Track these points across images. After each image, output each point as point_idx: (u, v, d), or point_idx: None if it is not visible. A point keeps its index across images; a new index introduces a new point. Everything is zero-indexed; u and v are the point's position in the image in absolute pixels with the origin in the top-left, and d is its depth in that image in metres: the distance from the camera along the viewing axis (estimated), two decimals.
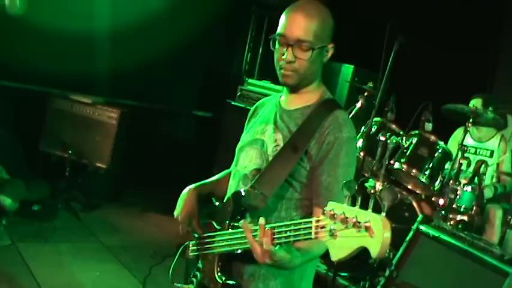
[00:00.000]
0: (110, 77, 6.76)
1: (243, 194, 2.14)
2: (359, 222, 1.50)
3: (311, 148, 2.12)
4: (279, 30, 2.17)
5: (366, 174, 5.08)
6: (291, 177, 2.13)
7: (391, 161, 4.89)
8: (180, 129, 7.84)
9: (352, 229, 1.51)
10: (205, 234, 2.28)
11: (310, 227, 1.68)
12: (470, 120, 4.90)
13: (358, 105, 5.28)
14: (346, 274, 4.62)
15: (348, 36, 6.77)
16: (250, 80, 6.76)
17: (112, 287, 4.68)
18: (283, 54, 2.15)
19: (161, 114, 7.62)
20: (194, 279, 2.35)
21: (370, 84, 5.22)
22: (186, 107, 7.85)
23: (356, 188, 1.58)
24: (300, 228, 1.72)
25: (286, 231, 1.77)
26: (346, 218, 1.53)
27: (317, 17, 2.13)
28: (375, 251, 1.47)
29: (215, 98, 7.32)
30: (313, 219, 1.67)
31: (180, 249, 2.51)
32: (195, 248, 2.37)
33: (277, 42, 2.18)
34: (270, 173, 2.14)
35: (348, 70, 6.79)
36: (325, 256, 4.60)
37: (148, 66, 6.86)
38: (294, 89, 2.27)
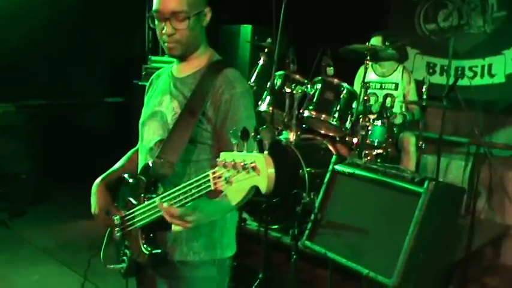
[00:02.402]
0: (11, 81, 6.58)
1: (150, 165, 2.20)
2: (246, 165, 1.62)
3: (207, 109, 2.19)
4: (154, 7, 2.21)
5: (279, 127, 5.23)
6: (193, 140, 2.20)
7: (301, 110, 5.05)
8: (94, 119, 7.76)
9: (243, 172, 1.64)
10: (126, 213, 2.33)
11: (209, 180, 1.78)
12: (368, 57, 5.05)
13: (261, 62, 5.38)
14: (276, 226, 4.78)
15: None
16: (153, 58, 6.76)
17: (54, 286, 4.69)
18: (163, 29, 2.21)
19: (73, 108, 7.51)
20: (125, 257, 2.41)
21: (269, 40, 5.30)
22: (96, 96, 7.76)
23: (249, 134, 1.67)
24: (201, 183, 1.82)
25: (190, 190, 1.87)
26: (235, 163, 1.66)
27: None
28: (263, 187, 1.61)
29: (123, 82, 7.25)
30: (210, 171, 1.77)
31: (107, 233, 2.55)
32: (119, 228, 2.41)
33: (155, 19, 2.23)
34: (172, 140, 2.20)
35: (246, 30, 6.87)
36: (255, 214, 4.74)
37: (50, 62, 6.76)
38: (182, 58, 2.33)
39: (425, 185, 3.31)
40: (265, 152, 1.64)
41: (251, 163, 1.62)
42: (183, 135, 2.19)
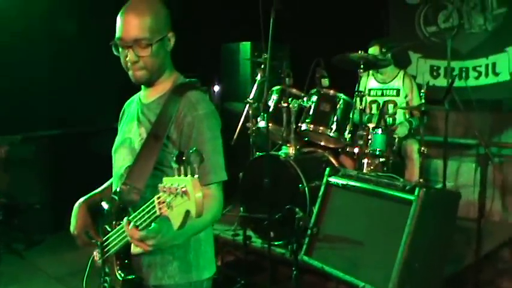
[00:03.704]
0: (21, 110, 6.65)
1: (118, 191, 2.21)
2: (177, 189, 1.64)
3: (172, 133, 2.19)
4: (116, 34, 2.21)
5: (279, 142, 5.22)
6: (160, 164, 2.19)
7: (298, 124, 5.04)
8: (106, 145, 7.79)
9: (179, 197, 1.65)
10: (104, 239, 2.34)
11: (154, 205, 1.79)
12: (361, 66, 5.01)
13: (258, 78, 5.39)
14: (280, 242, 4.75)
15: (240, 15, 6.90)
16: None
17: None
18: (127, 56, 2.21)
19: (84, 136, 7.58)
20: (106, 284, 2.41)
21: (265, 56, 5.30)
22: (106, 123, 7.80)
23: (183, 158, 1.67)
24: (150, 209, 1.83)
25: (143, 215, 1.88)
26: (171, 188, 1.67)
27: (148, 12, 2.17)
28: (193, 212, 1.62)
29: None
30: (155, 197, 1.78)
31: (90, 260, 2.55)
32: (99, 255, 2.42)
33: (118, 47, 2.24)
34: (138, 166, 2.20)
35: (245, 47, 6.89)
36: (259, 231, 4.74)
37: (58, 91, 6.83)
38: (148, 84, 2.34)
39: (416, 193, 3.29)
40: (195, 176, 1.63)
41: (182, 188, 1.63)
42: (149, 160, 2.19)
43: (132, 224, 1.93)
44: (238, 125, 5.48)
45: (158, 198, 1.76)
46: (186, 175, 1.65)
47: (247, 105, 5.38)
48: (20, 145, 6.37)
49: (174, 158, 1.67)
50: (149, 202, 1.83)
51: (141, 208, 1.89)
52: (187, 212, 1.65)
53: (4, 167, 6.28)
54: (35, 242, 6.26)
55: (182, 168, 1.67)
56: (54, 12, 6.92)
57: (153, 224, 1.89)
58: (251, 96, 5.39)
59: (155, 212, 1.80)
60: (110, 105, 7.74)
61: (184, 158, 1.66)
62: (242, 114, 5.49)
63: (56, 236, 6.47)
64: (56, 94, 6.90)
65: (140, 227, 1.90)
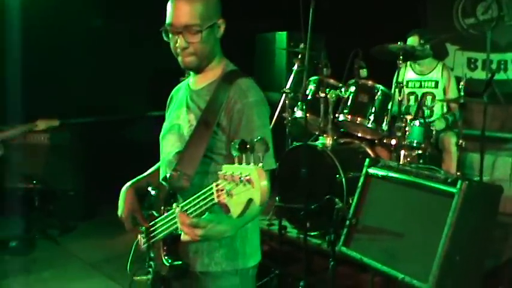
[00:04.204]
0: (56, 98, 6.72)
1: (168, 178, 2.22)
2: (241, 178, 1.62)
3: (222, 120, 2.19)
4: (167, 20, 2.22)
5: (316, 133, 5.21)
6: (210, 151, 2.20)
7: (336, 115, 5.02)
8: (139, 133, 7.85)
9: (241, 185, 1.63)
10: (150, 224, 2.36)
11: (213, 193, 1.77)
12: (400, 57, 4.98)
13: (295, 68, 5.38)
14: (316, 233, 4.75)
15: (276, 5, 6.89)
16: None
17: None
18: (176, 42, 2.22)
19: (118, 123, 7.63)
20: (150, 269, 2.43)
21: (302, 46, 5.29)
22: (139, 111, 7.87)
23: (247, 146, 1.66)
24: (207, 196, 1.82)
25: (198, 202, 1.87)
26: (233, 176, 1.65)
27: None
28: (257, 200, 1.60)
29: (166, 95, 7.32)
30: (214, 184, 1.77)
31: (134, 245, 2.58)
32: (145, 239, 2.44)
33: (168, 33, 2.25)
34: (188, 152, 2.21)
35: (281, 37, 6.90)
36: (294, 221, 4.74)
37: (91, 79, 6.88)
38: (197, 70, 2.34)
39: (458, 185, 3.25)
40: (260, 165, 1.63)
41: (246, 176, 1.61)
42: (199, 147, 2.19)
43: (184, 209, 1.93)
44: (273, 115, 5.46)
45: (217, 185, 1.75)
46: (248, 163, 1.65)
47: (284, 95, 5.38)
48: (57, 132, 6.42)
49: (236, 146, 1.66)
50: (206, 189, 1.82)
51: (196, 195, 1.88)
52: (250, 201, 1.64)
53: (41, 154, 6.34)
54: (69, 228, 6.34)
55: (245, 156, 1.66)
56: (91, 2, 6.98)
57: (206, 214, 1.91)
58: (287, 86, 5.39)
59: (213, 199, 1.79)
60: (142, 94, 7.87)
61: (248, 146, 1.65)
62: (278, 104, 5.48)
63: (89, 222, 6.59)
64: (90, 83, 6.97)
65: (193, 214, 1.90)
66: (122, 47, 7.20)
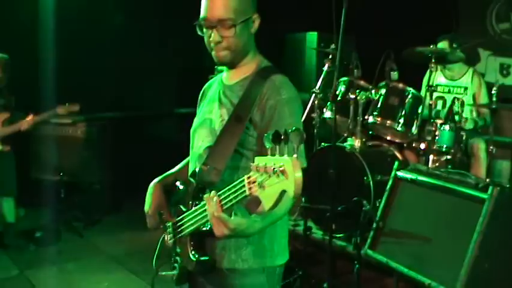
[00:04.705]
0: (85, 92, 6.77)
1: (197, 172, 2.21)
2: (275, 169, 1.59)
3: (254, 115, 2.18)
4: (201, 14, 2.21)
5: (345, 134, 5.18)
6: (240, 147, 2.18)
7: (365, 117, 4.99)
8: (166, 130, 7.90)
9: (274, 176, 1.60)
10: (177, 219, 2.35)
11: (244, 185, 1.75)
12: (433, 60, 4.93)
13: (325, 68, 5.37)
14: (342, 235, 4.72)
15: (306, 5, 6.86)
16: (219, 68, 6.81)
17: None
18: (210, 36, 2.21)
19: (144, 119, 7.68)
20: (176, 265, 2.42)
21: (333, 46, 5.28)
22: (167, 107, 7.91)
23: (281, 137, 1.63)
24: (238, 188, 1.79)
25: (228, 195, 1.84)
26: (266, 167, 1.62)
27: None
28: (291, 191, 1.57)
29: (194, 93, 7.33)
30: (245, 176, 1.74)
31: (160, 240, 2.57)
32: (171, 235, 2.43)
33: (202, 27, 2.24)
34: (219, 147, 2.20)
35: (312, 37, 6.89)
36: (320, 222, 4.70)
37: (120, 74, 6.93)
38: (231, 65, 2.32)
39: (490, 191, 3.21)
40: (294, 156, 1.60)
41: (279, 167, 1.58)
42: (230, 142, 2.18)
43: (216, 199, 1.89)
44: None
45: (248, 177, 1.72)
46: (282, 154, 1.62)
47: (313, 96, 5.36)
48: (84, 126, 6.48)
49: (270, 137, 1.64)
50: (237, 181, 1.79)
51: (228, 187, 1.86)
52: (283, 192, 1.61)
53: (70, 146, 6.40)
54: (93, 221, 6.39)
55: (278, 147, 1.63)
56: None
57: (236, 213, 1.89)
58: (317, 86, 5.37)
59: (244, 191, 1.75)
60: (169, 91, 7.90)
61: (282, 137, 1.63)
62: (307, 104, 5.46)
63: (113, 216, 6.63)
64: (118, 78, 7.03)
65: (225, 207, 1.88)
66: (151, 44, 7.24)
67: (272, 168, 1.60)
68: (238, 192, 1.80)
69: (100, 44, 6.83)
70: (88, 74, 6.76)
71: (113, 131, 6.77)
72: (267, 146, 1.65)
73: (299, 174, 1.56)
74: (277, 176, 1.59)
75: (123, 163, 6.90)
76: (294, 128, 1.63)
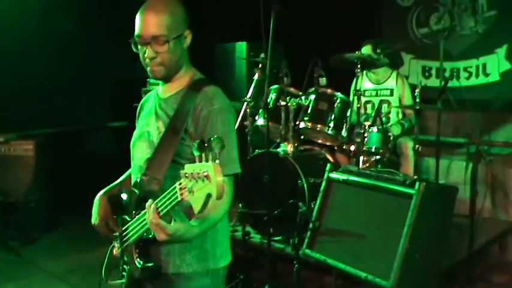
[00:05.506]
0: (15, 109, 6.68)
1: (138, 182, 2.30)
2: (200, 174, 1.76)
3: (189, 126, 2.28)
4: (136, 32, 2.31)
5: (278, 140, 5.31)
6: (178, 156, 2.28)
7: (297, 122, 5.13)
8: (100, 144, 7.86)
9: (200, 181, 1.77)
10: (123, 229, 2.42)
11: (176, 191, 1.90)
12: (359, 66, 5.12)
13: (256, 77, 5.49)
14: (279, 238, 4.84)
15: (235, 16, 6.97)
16: (151, 81, 6.85)
17: None
18: (145, 53, 2.31)
19: (78, 134, 7.61)
20: (124, 273, 2.48)
21: (262, 55, 5.40)
22: (100, 122, 7.87)
23: (204, 145, 1.78)
24: (171, 195, 1.94)
25: (164, 202, 1.98)
26: (193, 173, 1.78)
27: (165, 10, 2.28)
28: (214, 194, 1.74)
29: (126, 106, 7.32)
30: (177, 183, 1.88)
31: (108, 250, 2.62)
32: (118, 244, 2.50)
33: (137, 44, 2.34)
34: (157, 158, 2.30)
35: (241, 47, 6.99)
36: (258, 227, 4.80)
37: (51, 90, 6.86)
38: (166, 80, 2.43)
39: (416, 187, 3.38)
40: (216, 161, 1.74)
41: (203, 172, 1.74)
42: (168, 152, 2.28)
43: (153, 206, 2.00)
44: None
45: (180, 184, 1.87)
46: (207, 161, 1.76)
47: (245, 104, 5.46)
48: (15, 144, 6.40)
49: (196, 146, 1.79)
50: (170, 189, 1.93)
51: (163, 195, 1.98)
52: (209, 195, 1.77)
53: (2, 165, 6.31)
54: (31, 239, 6.29)
55: (203, 154, 1.78)
56: (50, 12, 6.97)
57: (175, 219, 2.01)
58: (248, 95, 5.48)
59: (177, 197, 1.90)
60: (102, 105, 7.85)
61: (206, 145, 1.77)
62: (239, 113, 5.56)
63: (51, 234, 6.55)
64: (51, 94, 6.95)
65: (161, 213, 1.99)
66: (83, 58, 7.19)
67: (197, 174, 1.76)
68: (172, 199, 1.94)
69: (28, 60, 6.73)
70: (17, 90, 6.67)
71: (46, 147, 6.69)
72: (195, 154, 1.81)
73: (220, 178, 1.73)
74: (203, 181, 1.76)
75: (59, 180, 6.82)
76: (215, 136, 1.78)
